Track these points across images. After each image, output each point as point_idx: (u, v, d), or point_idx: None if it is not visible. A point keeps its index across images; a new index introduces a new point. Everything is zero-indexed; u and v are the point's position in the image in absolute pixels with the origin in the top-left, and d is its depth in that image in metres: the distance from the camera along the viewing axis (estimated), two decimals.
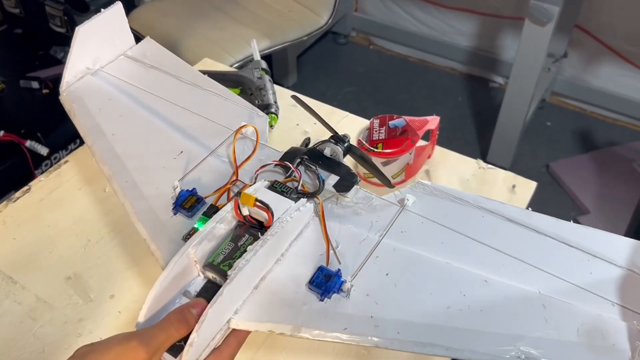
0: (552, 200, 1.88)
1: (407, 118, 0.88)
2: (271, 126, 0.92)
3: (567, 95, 2.18)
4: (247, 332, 0.53)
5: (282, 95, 1.02)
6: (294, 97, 0.74)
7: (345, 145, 0.66)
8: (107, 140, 0.69)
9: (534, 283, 0.52)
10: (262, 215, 0.55)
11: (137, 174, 0.65)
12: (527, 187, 0.86)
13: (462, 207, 0.59)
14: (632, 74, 2.02)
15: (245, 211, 0.56)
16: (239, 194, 0.56)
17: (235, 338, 0.52)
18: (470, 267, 0.54)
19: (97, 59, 0.78)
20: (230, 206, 0.57)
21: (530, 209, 0.59)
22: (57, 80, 1.77)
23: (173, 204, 0.62)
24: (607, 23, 1.98)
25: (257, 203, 0.54)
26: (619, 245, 0.54)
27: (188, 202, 0.61)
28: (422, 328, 0.49)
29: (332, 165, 0.64)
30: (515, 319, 0.50)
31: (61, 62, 1.86)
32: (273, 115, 0.93)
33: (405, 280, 0.54)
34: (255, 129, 0.69)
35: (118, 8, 0.77)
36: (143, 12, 1.76)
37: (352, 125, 0.96)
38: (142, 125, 0.72)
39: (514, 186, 0.86)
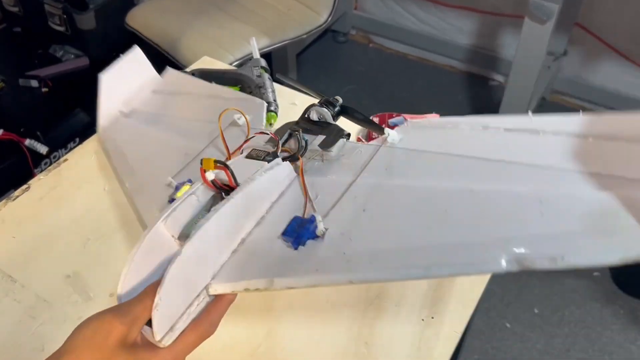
0: None
1: (407, 116, 0.88)
2: (270, 124, 0.92)
3: (567, 93, 2.18)
4: (229, 300, 0.51)
5: (282, 94, 1.02)
6: (278, 77, 0.76)
7: (336, 109, 0.66)
8: (126, 160, 0.77)
9: (528, 181, 0.46)
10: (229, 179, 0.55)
11: (148, 180, 0.71)
12: None
13: (449, 129, 0.55)
14: (632, 71, 2.02)
15: (210, 176, 0.55)
16: (202, 161, 0.55)
17: (215, 305, 0.50)
18: (454, 182, 0.49)
19: (129, 101, 0.83)
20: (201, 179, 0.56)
21: (530, 113, 0.52)
22: (56, 78, 1.78)
23: (169, 196, 0.65)
24: (607, 21, 1.98)
25: (217, 164, 0.53)
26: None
27: (181, 192, 0.60)
28: (399, 253, 0.44)
29: (321, 126, 0.64)
30: (506, 222, 0.43)
31: (60, 61, 1.86)
32: (272, 113, 0.93)
33: (382, 212, 0.50)
34: (242, 113, 0.71)
35: (136, 51, 0.82)
36: (142, 10, 1.76)
37: (351, 123, 0.96)
38: (156, 141, 0.78)
39: None
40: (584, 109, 2.17)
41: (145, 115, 0.82)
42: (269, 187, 0.56)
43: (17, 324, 0.69)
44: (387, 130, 0.58)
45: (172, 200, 0.63)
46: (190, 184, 0.62)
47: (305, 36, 1.72)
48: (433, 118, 0.59)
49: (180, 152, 0.73)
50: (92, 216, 0.81)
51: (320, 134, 0.63)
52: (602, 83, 2.09)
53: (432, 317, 0.68)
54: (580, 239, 0.39)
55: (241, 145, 0.66)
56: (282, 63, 2.24)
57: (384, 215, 0.49)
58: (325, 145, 0.60)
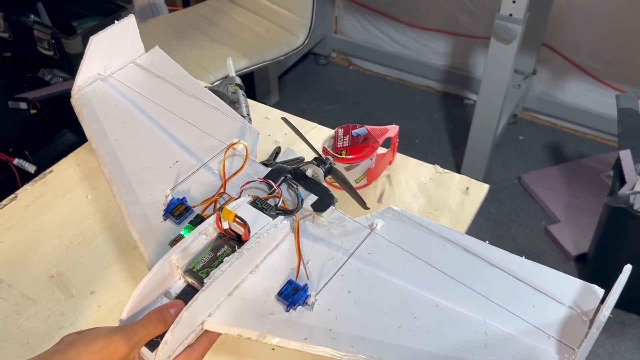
0: (524, 210, 1.95)
1: (369, 127, 0.95)
2: None
3: (537, 110, 2.28)
4: (218, 334, 0.58)
5: (255, 109, 1.09)
6: (283, 119, 0.79)
7: (327, 167, 0.72)
8: (110, 145, 0.74)
9: (480, 311, 0.56)
10: (240, 230, 0.60)
11: (134, 179, 0.71)
12: (480, 189, 0.93)
13: (425, 235, 0.63)
14: (597, 89, 2.12)
15: (225, 225, 0.61)
16: (221, 208, 0.60)
17: (207, 338, 0.57)
18: (425, 291, 0.58)
19: (108, 65, 0.82)
20: (212, 219, 0.61)
21: (487, 242, 0.61)
22: (44, 100, 1.84)
23: (164, 210, 0.67)
24: (571, 41, 2.08)
25: (236, 219, 0.59)
26: (564, 283, 0.58)
27: (177, 210, 0.66)
28: (374, 344, 0.54)
29: (313, 185, 0.69)
30: (459, 342, 0.54)
31: (49, 84, 1.92)
32: None
33: (364, 298, 0.58)
34: (245, 146, 0.73)
35: (131, 20, 0.81)
36: None
37: (320, 135, 1.03)
38: (143, 133, 0.77)
39: (467, 188, 0.93)
40: (554, 126, 2.27)
41: (123, 88, 0.82)
42: (269, 242, 0.62)
43: (3, 319, 0.75)
44: (377, 220, 0.65)
45: (165, 213, 0.66)
46: (184, 204, 0.67)
47: (283, 58, 1.80)
48: (413, 214, 0.66)
49: (170, 157, 0.74)
50: (75, 222, 0.87)
51: (311, 191, 0.68)
52: (571, 100, 2.19)
53: None
54: None
55: (236, 173, 0.71)
56: (264, 84, 2.32)
57: (365, 303, 0.58)
58: (318, 209, 0.66)
